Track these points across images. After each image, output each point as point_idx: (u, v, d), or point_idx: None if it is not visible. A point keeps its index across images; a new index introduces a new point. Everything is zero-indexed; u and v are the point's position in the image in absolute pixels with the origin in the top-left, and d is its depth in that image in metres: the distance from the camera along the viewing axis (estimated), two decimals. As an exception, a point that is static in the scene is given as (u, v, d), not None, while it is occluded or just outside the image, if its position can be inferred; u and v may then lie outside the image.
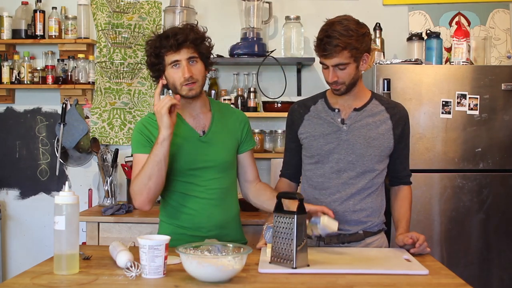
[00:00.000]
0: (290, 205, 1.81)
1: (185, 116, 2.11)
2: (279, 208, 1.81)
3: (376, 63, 2.88)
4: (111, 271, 1.71)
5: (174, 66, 2.02)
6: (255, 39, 3.38)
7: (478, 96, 2.83)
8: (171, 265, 1.74)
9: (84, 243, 2.94)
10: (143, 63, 3.57)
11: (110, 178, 3.31)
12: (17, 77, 3.53)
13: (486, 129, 2.83)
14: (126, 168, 3.37)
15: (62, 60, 3.55)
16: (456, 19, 3.49)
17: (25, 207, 3.68)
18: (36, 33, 3.51)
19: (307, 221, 1.96)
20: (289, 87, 3.48)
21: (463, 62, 2.96)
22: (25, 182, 3.68)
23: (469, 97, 2.83)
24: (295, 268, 1.70)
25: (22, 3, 3.54)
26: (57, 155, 3.59)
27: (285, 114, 2.29)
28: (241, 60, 3.40)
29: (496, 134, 2.84)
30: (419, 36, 3.20)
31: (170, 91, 2.13)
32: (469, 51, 3.00)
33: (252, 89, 3.44)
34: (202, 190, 2.09)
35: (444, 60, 3.23)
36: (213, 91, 3.49)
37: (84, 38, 3.54)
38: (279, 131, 3.43)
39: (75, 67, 3.55)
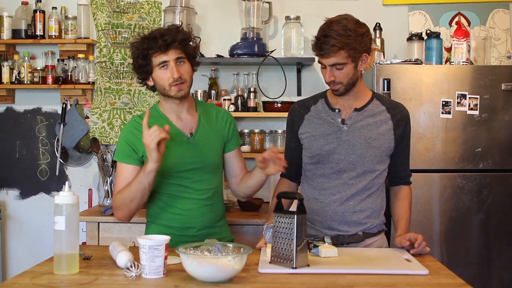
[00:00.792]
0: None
1: (172, 118, 2.11)
2: (279, 208, 1.81)
3: (376, 63, 2.88)
4: (111, 271, 1.71)
5: (162, 67, 2.03)
6: (255, 39, 3.38)
7: (478, 96, 2.83)
8: (171, 265, 1.74)
9: (84, 243, 2.94)
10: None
11: (110, 178, 3.31)
12: (17, 77, 3.53)
13: (486, 129, 2.83)
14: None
15: (62, 60, 3.55)
16: (456, 19, 3.49)
17: (25, 207, 3.68)
18: (36, 33, 3.51)
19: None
20: (289, 87, 3.48)
21: (463, 62, 2.96)
22: (25, 182, 3.68)
23: (469, 97, 2.83)
24: (295, 268, 1.69)
25: (22, 3, 3.54)
26: (57, 155, 3.59)
27: (285, 114, 2.29)
28: (241, 60, 3.40)
29: (496, 134, 2.84)
30: (419, 36, 3.20)
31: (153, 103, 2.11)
32: (469, 51, 3.00)
33: (252, 89, 3.44)
34: (191, 192, 2.10)
35: (444, 60, 3.23)
36: (213, 91, 3.49)
37: (84, 38, 3.54)
38: (279, 131, 3.43)
39: (75, 67, 3.55)
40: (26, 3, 3.55)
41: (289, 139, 2.24)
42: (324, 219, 2.09)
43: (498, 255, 2.85)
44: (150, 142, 1.88)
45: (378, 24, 3.37)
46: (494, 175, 2.85)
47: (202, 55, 3.21)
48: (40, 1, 3.52)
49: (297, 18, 3.43)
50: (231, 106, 3.37)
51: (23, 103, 3.68)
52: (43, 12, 3.52)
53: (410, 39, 3.23)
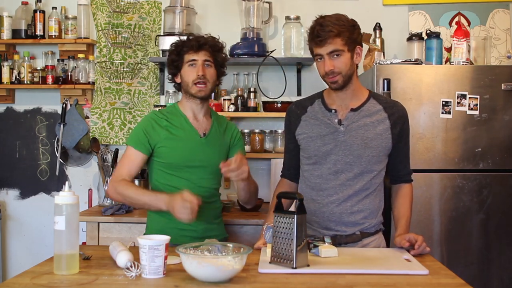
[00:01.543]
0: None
1: (189, 116, 2.29)
2: (279, 208, 1.81)
3: (376, 63, 2.88)
4: (111, 271, 1.71)
5: (190, 65, 2.22)
6: (255, 39, 3.38)
7: (478, 96, 2.83)
8: (171, 265, 1.74)
9: (84, 243, 2.94)
10: (143, 63, 3.57)
11: (110, 178, 3.30)
12: (17, 77, 3.53)
13: (486, 129, 2.83)
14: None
15: (62, 60, 3.55)
16: (456, 19, 3.49)
17: (25, 207, 3.68)
18: (36, 33, 3.52)
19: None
20: (289, 87, 3.48)
21: (463, 62, 2.96)
22: (25, 182, 3.68)
23: (469, 97, 2.83)
24: (295, 268, 1.69)
25: (22, 3, 3.54)
26: (57, 155, 3.59)
27: (285, 114, 2.30)
28: (241, 60, 3.39)
29: (496, 134, 2.84)
30: (419, 36, 3.20)
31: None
32: (469, 51, 3.00)
33: (252, 89, 3.44)
34: (193, 187, 2.19)
35: (444, 60, 3.23)
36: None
37: (84, 38, 3.54)
38: (279, 131, 3.43)
39: (75, 67, 3.55)
40: (26, 3, 3.55)
41: (287, 140, 2.24)
42: (321, 219, 2.09)
43: (498, 255, 2.85)
44: (179, 214, 2.01)
45: (378, 24, 3.37)
46: (494, 175, 2.85)
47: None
48: (40, 1, 3.52)
49: (297, 18, 3.43)
50: (231, 106, 3.37)
51: (23, 103, 3.68)
52: (43, 12, 3.53)
53: (410, 39, 3.23)
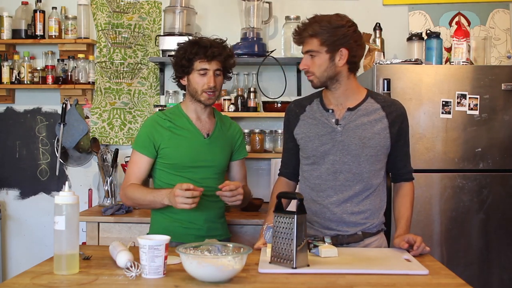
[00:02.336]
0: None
1: (192, 118, 2.32)
2: (279, 208, 1.81)
3: (376, 63, 2.88)
4: (111, 271, 1.71)
5: (201, 74, 2.22)
6: (255, 39, 3.38)
7: (478, 96, 2.83)
8: (171, 265, 1.74)
9: (84, 243, 2.94)
10: (143, 63, 3.57)
11: (110, 178, 3.31)
12: (17, 77, 3.53)
13: (486, 129, 2.83)
14: (126, 168, 3.37)
15: (62, 60, 3.55)
16: (456, 19, 3.49)
17: (25, 207, 3.68)
18: (36, 33, 3.52)
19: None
20: (289, 87, 3.48)
21: (463, 62, 2.96)
22: (25, 182, 3.68)
23: (469, 97, 2.83)
24: (295, 268, 1.69)
25: (22, 3, 3.54)
26: (57, 155, 3.59)
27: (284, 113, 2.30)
28: (241, 60, 3.39)
29: (496, 134, 2.84)
30: (419, 36, 3.19)
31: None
32: (469, 51, 3.00)
33: (252, 89, 3.44)
34: (198, 186, 2.16)
35: (444, 60, 3.23)
36: (213, 91, 3.49)
37: (84, 38, 3.54)
38: (279, 131, 3.43)
39: (75, 67, 3.55)
40: (26, 3, 3.55)
41: (286, 139, 2.24)
42: (322, 220, 2.09)
43: (498, 255, 2.85)
44: (178, 204, 2.04)
45: (378, 24, 3.37)
46: (494, 175, 2.85)
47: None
48: (40, 1, 3.52)
49: (297, 18, 3.43)
50: (231, 106, 3.37)
51: (23, 103, 3.68)
52: (43, 12, 3.53)
53: (410, 39, 3.23)
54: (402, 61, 2.91)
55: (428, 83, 2.83)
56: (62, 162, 3.62)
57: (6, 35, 3.52)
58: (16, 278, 1.63)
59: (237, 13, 3.55)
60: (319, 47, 1.99)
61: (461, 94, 2.83)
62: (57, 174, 3.61)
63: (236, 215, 3.00)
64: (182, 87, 2.36)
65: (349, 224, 2.07)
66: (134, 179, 2.27)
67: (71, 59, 3.55)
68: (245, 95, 3.45)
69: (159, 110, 2.59)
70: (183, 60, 2.24)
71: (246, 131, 3.42)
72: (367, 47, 3.14)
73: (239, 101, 3.41)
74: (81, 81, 3.55)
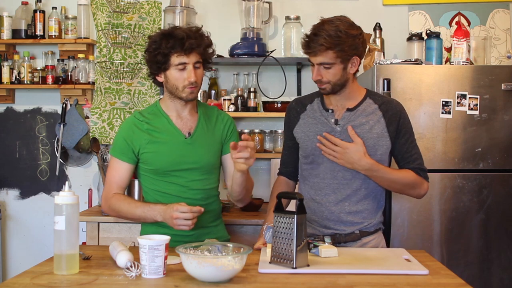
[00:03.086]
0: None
1: (172, 116, 2.14)
2: (279, 208, 1.81)
3: (376, 63, 2.88)
4: (111, 271, 1.71)
5: (180, 69, 2.04)
6: (255, 39, 3.38)
7: (478, 96, 2.83)
8: (171, 265, 1.74)
9: (84, 243, 2.94)
10: (143, 63, 3.57)
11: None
12: (17, 77, 3.53)
13: (486, 129, 2.83)
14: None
15: (62, 60, 3.55)
16: (456, 19, 3.49)
17: (25, 207, 3.68)
18: (36, 33, 3.52)
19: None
20: (289, 87, 3.48)
21: (463, 62, 2.96)
22: (25, 182, 3.68)
23: (469, 97, 2.83)
24: (295, 268, 1.69)
25: (22, 3, 3.54)
26: (57, 155, 3.59)
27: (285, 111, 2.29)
28: (241, 60, 3.40)
29: (496, 134, 2.84)
30: (419, 36, 3.19)
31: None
32: (469, 51, 3.00)
33: (252, 89, 3.44)
34: (185, 190, 2.12)
35: (444, 60, 3.23)
36: (213, 91, 3.49)
37: (84, 38, 3.54)
38: (279, 131, 3.43)
39: (75, 67, 3.55)
40: (26, 3, 3.55)
41: (286, 137, 2.25)
42: (320, 218, 2.09)
43: (498, 255, 2.85)
44: (177, 227, 1.92)
45: (378, 24, 3.37)
46: (494, 175, 2.84)
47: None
48: (40, 1, 3.52)
49: (297, 18, 3.43)
50: (231, 106, 3.37)
51: (23, 103, 3.68)
52: (43, 12, 3.53)
53: (410, 39, 3.22)
54: (402, 61, 2.91)
55: (428, 83, 2.83)
56: (62, 162, 3.62)
57: (6, 35, 3.52)
58: (16, 278, 1.63)
59: (237, 13, 3.55)
60: (335, 59, 1.97)
61: (461, 94, 2.83)
62: (57, 174, 3.61)
63: (236, 215, 3.00)
64: (159, 84, 2.15)
65: (347, 223, 2.07)
66: (116, 188, 2.11)
67: (71, 59, 3.55)
68: (245, 95, 3.45)
69: (135, 110, 2.41)
70: (158, 56, 2.03)
71: (246, 131, 3.42)
72: (367, 47, 3.14)
73: (239, 101, 3.41)
74: (81, 81, 3.55)
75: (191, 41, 2.01)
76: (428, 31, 3.15)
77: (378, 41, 3.34)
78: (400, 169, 2.11)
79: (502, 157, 2.84)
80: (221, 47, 3.40)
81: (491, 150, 2.84)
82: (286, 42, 3.46)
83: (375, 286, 1.57)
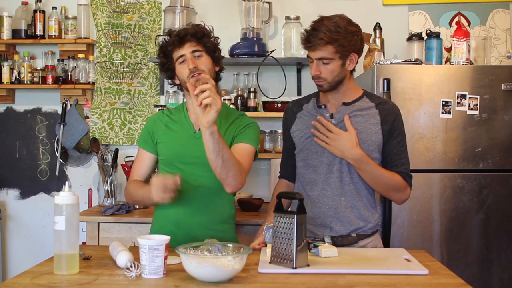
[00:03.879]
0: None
1: (190, 112, 2.17)
2: (279, 208, 1.81)
3: (376, 63, 2.88)
4: (111, 271, 1.71)
5: (181, 62, 2.08)
6: (255, 39, 3.38)
7: (478, 96, 2.83)
8: (171, 265, 1.74)
9: (84, 243, 2.94)
10: (143, 63, 3.57)
11: (110, 178, 3.31)
12: (17, 77, 3.53)
13: (486, 129, 2.83)
14: (126, 168, 3.38)
15: (62, 60, 3.55)
16: (456, 19, 3.49)
17: (25, 207, 3.68)
18: (36, 33, 3.52)
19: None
20: (289, 87, 3.48)
21: (463, 62, 2.96)
22: (25, 182, 3.68)
23: (469, 97, 2.83)
24: (295, 268, 1.69)
25: (22, 3, 3.54)
26: (57, 155, 3.59)
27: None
28: (241, 60, 3.39)
29: (496, 134, 2.84)
30: (419, 36, 3.19)
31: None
32: (469, 51, 3.00)
33: (252, 89, 3.44)
34: (192, 187, 2.08)
35: (444, 60, 3.23)
36: (213, 91, 3.48)
37: (84, 38, 3.54)
38: (279, 131, 3.43)
39: (75, 67, 3.55)
40: (26, 3, 3.55)
41: (285, 139, 2.26)
42: (317, 215, 2.08)
43: (498, 255, 2.85)
44: (154, 198, 1.93)
45: (378, 24, 3.37)
46: (494, 175, 2.84)
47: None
48: (40, 1, 3.52)
49: (297, 18, 3.43)
50: (231, 106, 3.36)
51: (23, 103, 3.68)
52: (43, 12, 3.53)
53: (410, 39, 3.22)
54: (402, 61, 2.91)
55: (428, 83, 2.83)
56: (62, 162, 3.62)
57: (6, 35, 3.52)
58: (16, 278, 1.63)
59: (237, 13, 3.55)
60: (334, 54, 1.99)
61: (461, 94, 2.83)
62: (57, 174, 3.61)
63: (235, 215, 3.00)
64: (180, 88, 2.19)
65: (344, 221, 2.07)
66: (135, 176, 2.18)
67: (71, 59, 3.55)
68: (245, 95, 3.45)
69: (159, 110, 2.45)
70: (163, 58, 2.13)
71: (246, 131, 3.42)
72: (367, 47, 3.15)
73: (239, 101, 3.41)
74: (81, 81, 3.55)
75: (180, 32, 2.08)
76: (428, 31, 3.15)
77: (378, 41, 3.34)
78: (387, 170, 2.10)
79: (502, 157, 2.84)
80: (221, 47, 3.39)
81: (491, 150, 2.84)
82: (286, 42, 3.46)
83: (375, 286, 1.57)
